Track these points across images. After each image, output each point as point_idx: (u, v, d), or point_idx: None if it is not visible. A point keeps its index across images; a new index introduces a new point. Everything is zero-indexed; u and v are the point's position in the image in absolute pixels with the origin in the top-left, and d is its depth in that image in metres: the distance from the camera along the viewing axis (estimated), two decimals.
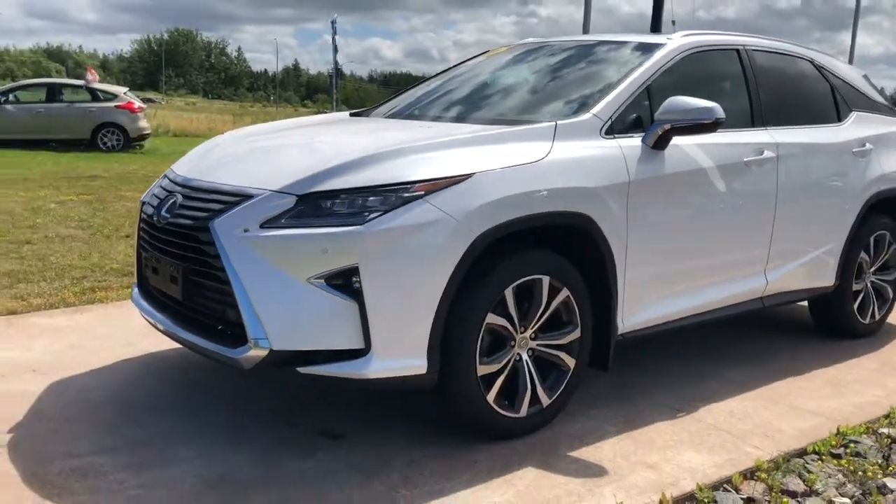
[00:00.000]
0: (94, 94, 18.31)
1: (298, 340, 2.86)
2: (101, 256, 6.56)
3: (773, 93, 4.39)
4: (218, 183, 3.18)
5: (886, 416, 3.71)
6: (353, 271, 2.81)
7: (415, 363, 2.93)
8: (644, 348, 4.49)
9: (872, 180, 4.75)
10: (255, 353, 2.86)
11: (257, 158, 3.44)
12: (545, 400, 3.33)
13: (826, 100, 4.77)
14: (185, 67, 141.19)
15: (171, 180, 3.48)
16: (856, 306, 4.91)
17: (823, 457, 3.29)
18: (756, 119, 4.22)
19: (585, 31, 18.76)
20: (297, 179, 2.96)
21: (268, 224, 2.89)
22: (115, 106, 18.18)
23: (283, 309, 2.85)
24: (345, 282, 2.83)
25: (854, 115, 4.85)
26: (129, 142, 18.36)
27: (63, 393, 3.61)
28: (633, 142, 3.55)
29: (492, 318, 3.10)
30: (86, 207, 9.27)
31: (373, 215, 2.84)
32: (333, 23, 18.96)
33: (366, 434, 3.28)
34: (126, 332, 4.44)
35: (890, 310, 5.20)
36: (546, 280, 3.24)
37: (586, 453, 3.20)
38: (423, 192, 2.91)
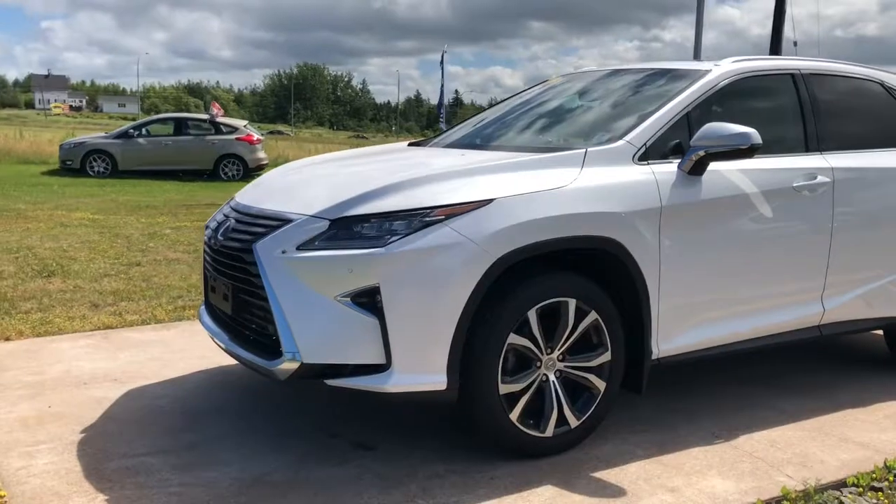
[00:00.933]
0: (217, 128, 19.52)
1: (326, 354, 3.07)
2: (199, 278, 7.02)
3: (832, 117, 4.30)
4: (265, 209, 3.46)
5: None
6: (376, 290, 3.00)
7: (434, 379, 3.07)
8: (695, 373, 4.46)
9: None
10: (288, 365, 3.09)
11: (303, 186, 3.69)
12: (573, 421, 3.40)
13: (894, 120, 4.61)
14: (312, 100, 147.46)
15: (231, 207, 3.79)
16: None
17: (862, 489, 3.20)
18: (810, 144, 4.15)
19: (696, 55, 18.46)
20: (330, 205, 3.19)
21: (303, 246, 3.12)
22: (236, 138, 19.31)
23: (314, 324, 3.07)
24: (368, 300, 3.02)
25: None
26: (248, 171, 19.40)
27: (135, 399, 3.96)
28: (669, 168, 3.59)
29: (514, 339, 3.21)
30: (197, 233, 9.91)
31: (394, 238, 3.02)
32: (443, 53, 19.48)
33: (398, 447, 3.44)
34: (202, 346, 4.78)
35: None
36: (572, 303, 3.32)
37: (610, 475, 3.24)
38: (443, 217, 3.07)
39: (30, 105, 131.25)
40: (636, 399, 3.98)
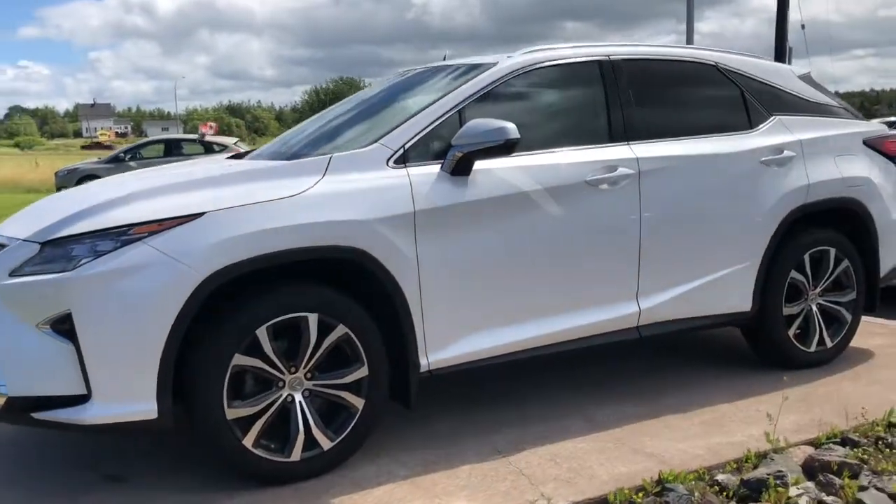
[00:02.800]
0: (208, 147, 19.68)
1: (31, 386, 2.93)
2: None
3: (650, 104, 4.04)
4: None
5: (736, 461, 3.27)
6: (69, 316, 2.86)
7: (142, 408, 2.91)
8: (513, 377, 4.24)
9: (795, 190, 4.25)
10: None
11: (48, 208, 3.55)
12: (326, 443, 3.21)
13: (733, 106, 4.32)
14: None
15: None
16: (792, 333, 4.38)
17: None
18: (616, 134, 3.88)
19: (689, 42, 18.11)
20: (41, 227, 3.05)
21: (15, 272, 2.99)
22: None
23: (19, 355, 2.94)
24: (66, 327, 2.88)
25: (774, 119, 4.36)
26: None
27: None
28: (431, 170, 3.40)
29: (242, 360, 3.04)
30: None
31: (85, 260, 2.88)
32: (444, 58, 19.29)
33: (151, 478, 3.28)
34: None
35: (850, 335, 4.60)
36: (314, 317, 3.14)
37: (351, 500, 3.05)
38: (144, 234, 2.92)
39: (78, 134, 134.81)
40: (437, 412, 3.81)
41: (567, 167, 3.67)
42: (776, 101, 4.44)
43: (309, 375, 3.19)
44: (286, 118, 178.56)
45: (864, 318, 4.72)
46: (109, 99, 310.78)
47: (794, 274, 4.33)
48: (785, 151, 4.27)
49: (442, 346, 3.41)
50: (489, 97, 3.67)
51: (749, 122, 4.30)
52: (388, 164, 3.35)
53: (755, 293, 4.20)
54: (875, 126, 4.84)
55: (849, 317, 4.55)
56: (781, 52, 16.62)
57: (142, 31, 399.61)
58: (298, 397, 3.18)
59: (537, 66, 3.82)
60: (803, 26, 25.48)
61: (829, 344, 4.49)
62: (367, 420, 3.30)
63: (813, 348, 4.44)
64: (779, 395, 3.98)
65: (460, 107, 3.56)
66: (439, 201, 3.35)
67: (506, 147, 3.32)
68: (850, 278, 4.53)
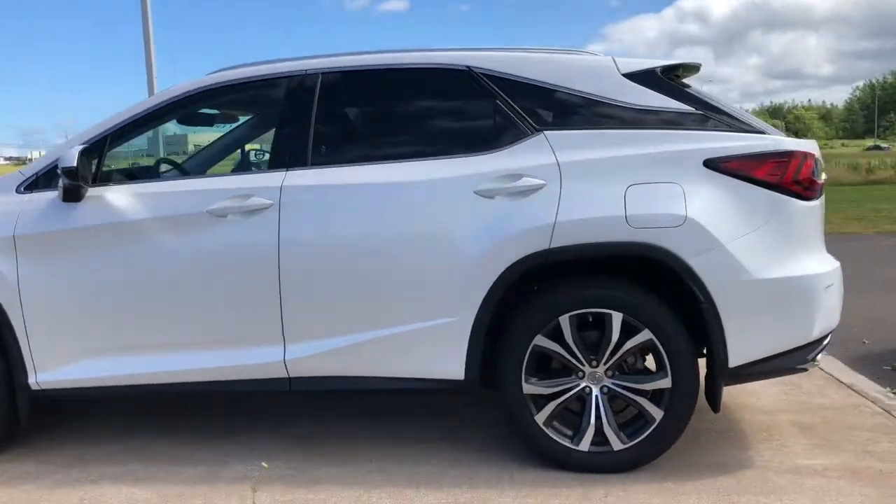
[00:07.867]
0: None
1: None
2: None
3: (344, 125, 3.51)
4: None
5: None
6: None
7: None
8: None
9: (529, 231, 3.17)
10: None
11: None
12: None
13: (475, 121, 3.39)
14: None
15: None
16: (544, 419, 3.28)
17: None
18: (277, 160, 3.43)
19: None
20: None
21: None
22: None
23: None
24: None
25: (538, 136, 3.29)
26: None
27: None
28: (50, 196, 3.53)
29: None
30: None
31: None
32: None
33: None
34: None
35: (664, 438, 3.24)
36: None
37: None
38: None
39: None
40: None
41: (187, 195, 3.43)
42: (558, 112, 3.34)
43: None
44: (834, 117, 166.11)
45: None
46: None
47: (542, 341, 3.25)
48: (523, 179, 3.23)
49: (52, 368, 3.52)
50: (151, 124, 3.63)
51: (494, 142, 3.34)
52: (16, 191, 3.60)
53: (469, 359, 3.28)
54: (761, 141, 3.25)
55: (657, 413, 3.21)
56: None
57: (694, 37, 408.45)
58: None
59: (209, 88, 3.59)
60: None
61: (617, 445, 3.24)
62: None
63: (585, 447, 3.26)
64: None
65: (105, 135, 3.58)
66: (40, 227, 3.48)
67: (66, 174, 3.32)
68: (661, 359, 3.20)
